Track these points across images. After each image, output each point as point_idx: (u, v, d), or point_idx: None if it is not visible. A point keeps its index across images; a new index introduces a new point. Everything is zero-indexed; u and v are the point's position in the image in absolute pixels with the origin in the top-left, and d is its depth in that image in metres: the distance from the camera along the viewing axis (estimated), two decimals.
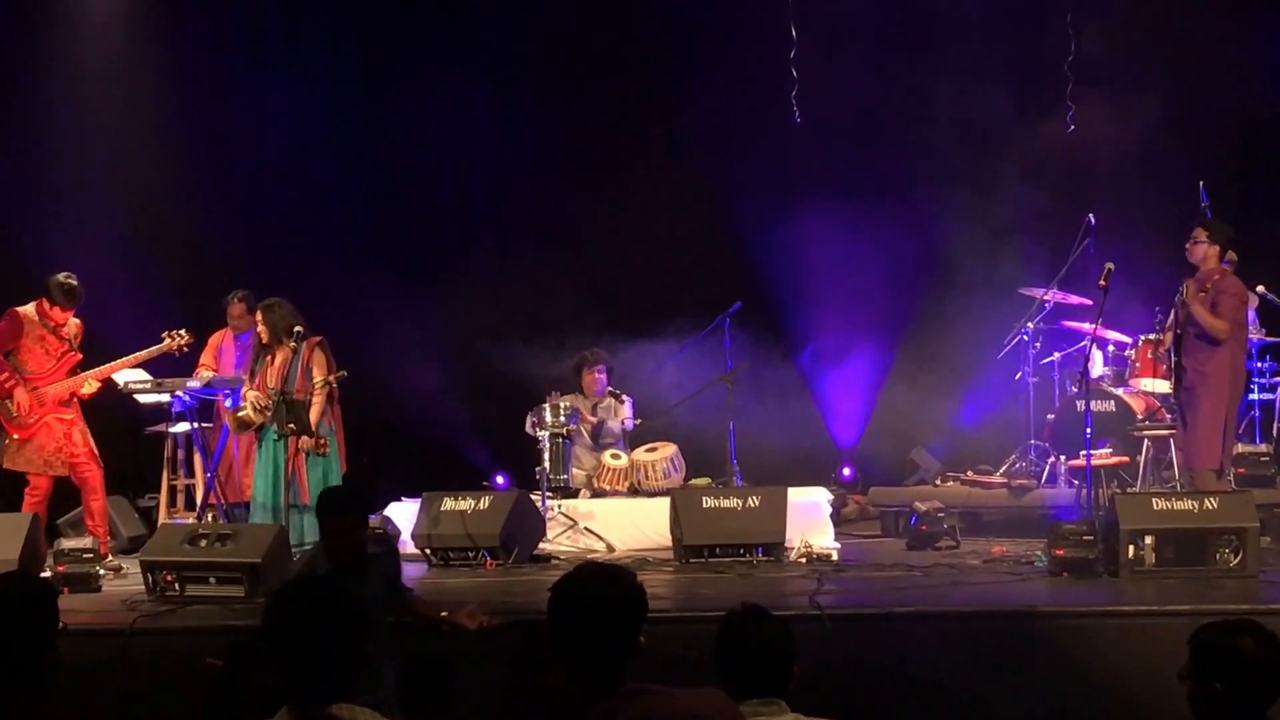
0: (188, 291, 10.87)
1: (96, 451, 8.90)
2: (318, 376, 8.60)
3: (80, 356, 8.97)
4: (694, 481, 10.08)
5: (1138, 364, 9.60)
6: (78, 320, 8.97)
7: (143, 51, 11.38)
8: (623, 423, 10.39)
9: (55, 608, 3.43)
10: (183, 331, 9.23)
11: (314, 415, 8.46)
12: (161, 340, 9.18)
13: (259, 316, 8.83)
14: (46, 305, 8.77)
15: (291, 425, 8.20)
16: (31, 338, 8.78)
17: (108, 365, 9.06)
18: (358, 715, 3.05)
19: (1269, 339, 10.11)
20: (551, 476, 9.47)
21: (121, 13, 11.46)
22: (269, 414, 8.50)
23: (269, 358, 8.80)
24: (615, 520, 9.49)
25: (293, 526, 8.15)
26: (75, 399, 8.90)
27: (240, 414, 8.80)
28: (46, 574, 7.81)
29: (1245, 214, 10.34)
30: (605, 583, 3.27)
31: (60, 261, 9.10)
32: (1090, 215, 10.08)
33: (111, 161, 11.25)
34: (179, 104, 11.47)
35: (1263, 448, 9.74)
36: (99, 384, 9.05)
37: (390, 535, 5.47)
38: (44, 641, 3.29)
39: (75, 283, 8.79)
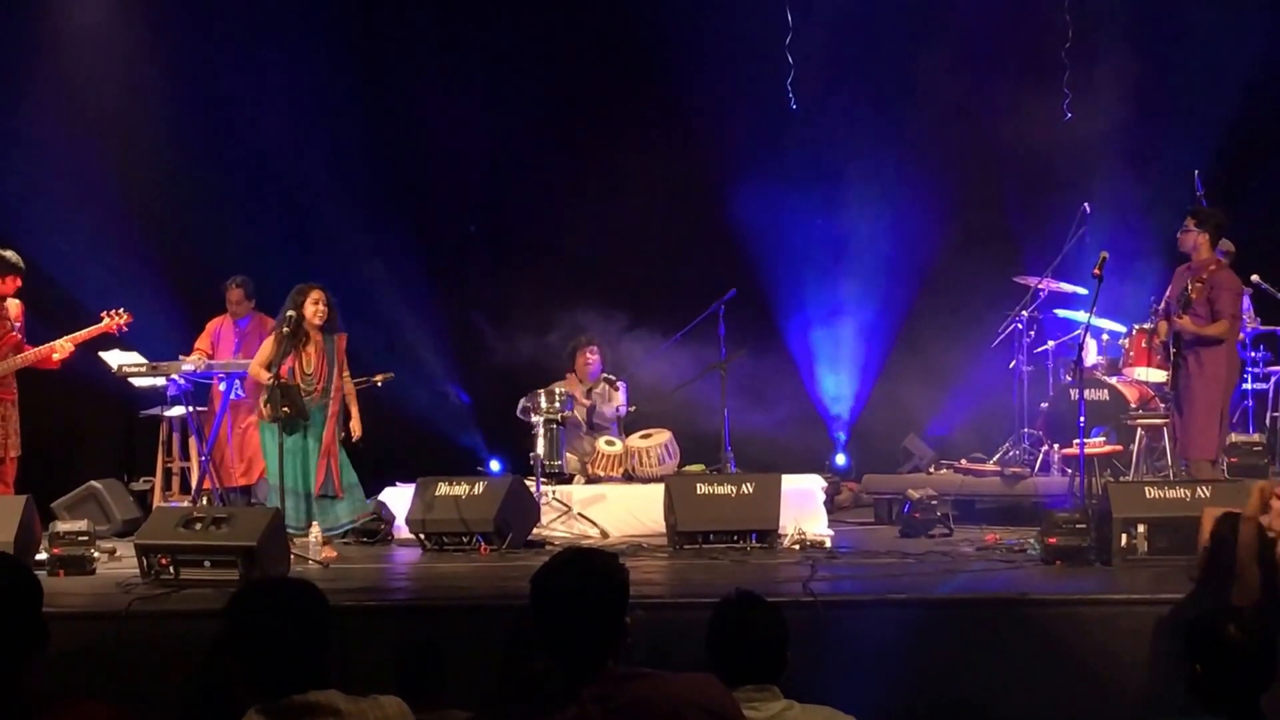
0: (185, 277, 10.87)
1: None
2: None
3: (19, 337, 8.93)
4: (688, 468, 10.09)
5: (1131, 353, 9.61)
6: (19, 301, 8.95)
7: (135, 33, 11.31)
8: (617, 409, 10.37)
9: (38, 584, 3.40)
10: (121, 311, 9.15)
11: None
12: (100, 319, 9.11)
13: (322, 297, 8.67)
14: None
15: (286, 409, 8.23)
16: None
17: (45, 346, 8.90)
18: (325, 699, 3.11)
19: (1263, 328, 10.14)
20: (546, 462, 9.47)
21: None
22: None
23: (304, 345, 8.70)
24: (609, 506, 9.49)
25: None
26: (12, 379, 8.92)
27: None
28: (42, 556, 7.82)
29: (1240, 203, 10.35)
30: (583, 567, 3.26)
31: (58, 252, 9.07)
32: (1086, 204, 10.10)
33: (105, 146, 11.20)
34: (173, 92, 11.42)
35: (1256, 437, 9.74)
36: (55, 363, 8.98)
37: None
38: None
39: (13, 253, 8.76)
